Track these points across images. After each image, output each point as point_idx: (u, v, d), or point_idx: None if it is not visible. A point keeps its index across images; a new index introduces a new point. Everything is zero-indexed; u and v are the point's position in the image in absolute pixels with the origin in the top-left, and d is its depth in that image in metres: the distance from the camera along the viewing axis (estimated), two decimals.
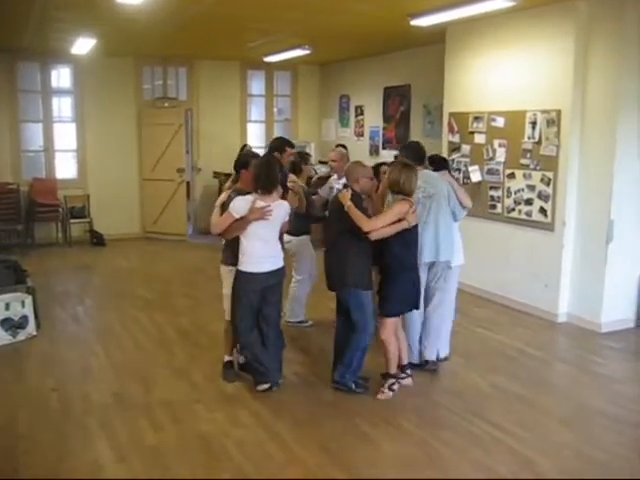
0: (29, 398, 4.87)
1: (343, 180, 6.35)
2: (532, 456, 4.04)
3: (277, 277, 4.87)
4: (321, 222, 6.41)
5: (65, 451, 4.07)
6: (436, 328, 5.39)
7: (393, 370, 4.90)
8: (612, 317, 6.51)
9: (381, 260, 4.76)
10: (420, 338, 5.38)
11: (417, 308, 5.01)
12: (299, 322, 6.56)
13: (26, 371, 5.43)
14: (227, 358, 5.26)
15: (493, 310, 7.21)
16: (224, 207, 4.84)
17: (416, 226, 4.73)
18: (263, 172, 4.73)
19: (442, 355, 5.53)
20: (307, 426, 4.44)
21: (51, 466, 3.90)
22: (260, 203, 4.67)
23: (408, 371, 5.07)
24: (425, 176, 5.19)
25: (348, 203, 4.59)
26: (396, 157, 6.59)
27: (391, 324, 4.80)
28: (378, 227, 4.55)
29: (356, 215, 4.57)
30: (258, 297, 4.82)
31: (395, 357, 4.89)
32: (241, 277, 4.79)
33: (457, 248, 5.40)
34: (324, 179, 7.10)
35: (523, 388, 5.12)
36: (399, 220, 4.57)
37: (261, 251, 4.76)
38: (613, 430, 4.44)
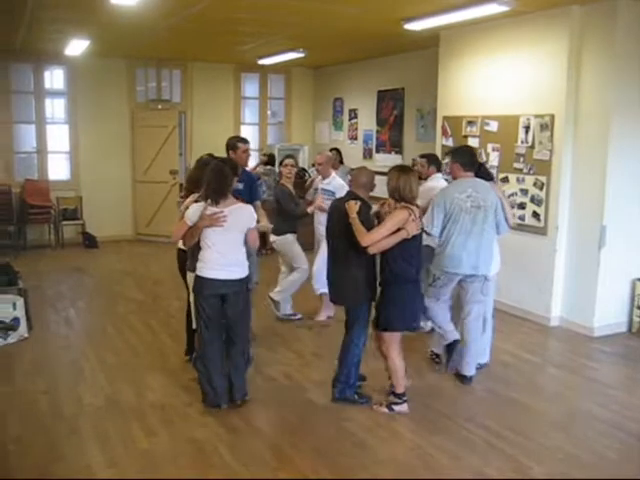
0: (20, 401, 4.84)
1: (327, 181, 6.58)
2: (525, 461, 4.04)
3: (235, 287, 4.58)
4: (301, 219, 6.60)
5: (56, 455, 4.04)
6: (475, 342, 5.22)
7: (400, 389, 4.68)
8: (604, 321, 6.52)
9: (381, 272, 4.57)
10: (457, 348, 5.21)
11: (415, 329, 4.80)
12: (289, 315, 6.79)
13: (17, 374, 5.39)
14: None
15: None
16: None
17: (418, 236, 4.52)
18: (212, 179, 4.51)
19: (482, 361, 5.45)
20: (300, 430, 4.42)
21: (42, 470, 3.86)
22: (211, 209, 4.46)
23: (404, 397, 4.75)
24: (477, 185, 5.05)
25: (353, 215, 4.39)
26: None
27: (394, 339, 4.61)
28: (376, 241, 4.36)
29: (357, 228, 4.37)
30: (217, 306, 4.59)
31: (400, 374, 4.65)
32: (197, 282, 4.60)
33: (495, 257, 5.30)
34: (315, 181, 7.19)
35: (516, 392, 5.12)
36: (399, 230, 4.37)
37: (215, 258, 4.51)
38: (605, 434, 4.45)
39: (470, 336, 5.21)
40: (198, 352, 4.77)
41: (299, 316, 6.85)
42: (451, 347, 5.24)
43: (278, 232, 6.61)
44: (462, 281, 5.15)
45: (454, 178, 5.26)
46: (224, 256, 4.53)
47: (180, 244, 5.05)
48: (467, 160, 5.15)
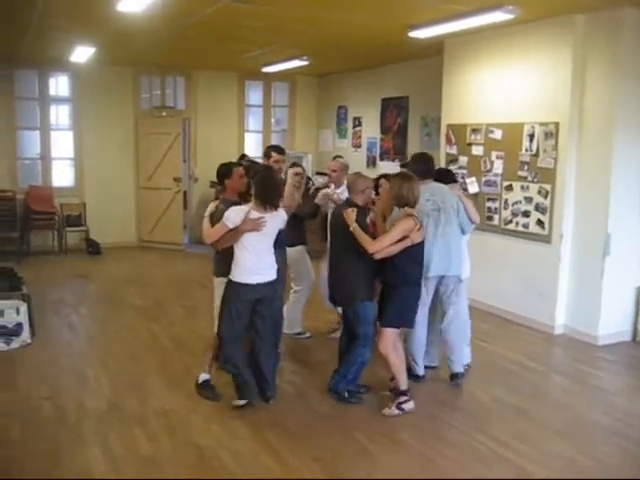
0: (23, 406, 4.82)
1: (340, 190, 6.40)
2: (530, 469, 4.02)
3: (268, 289, 4.75)
4: (313, 218, 6.50)
5: (58, 460, 4.03)
6: (458, 341, 5.33)
7: (404, 386, 4.77)
8: (609, 330, 6.50)
9: (384, 272, 4.70)
10: (426, 352, 5.35)
11: (411, 326, 4.95)
12: (297, 334, 6.51)
13: (20, 379, 5.38)
14: (203, 377, 5.04)
15: (490, 322, 7.18)
16: (213, 217, 4.78)
17: (422, 242, 4.68)
18: (267, 186, 4.66)
19: (465, 362, 5.51)
20: (303, 438, 4.40)
21: (44, 475, 3.85)
22: (254, 214, 4.57)
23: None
24: (434, 189, 5.16)
25: (354, 225, 4.54)
26: (402, 166, 6.59)
27: (389, 336, 4.72)
28: (382, 248, 4.51)
29: (361, 237, 4.53)
30: (247, 309, 4.71)
31: (402, 371, 4.78)
32: (231, 287, 4.68)
33: (465, 260, 5.37)
34: (320, 189, 7.03)
35: (521, 401, 5.10)
36: (403, 237, 4.52)
37: (252, 262, 4.63)
38: (609, 442, 4.44)
39: (451, 337, 5.31)
40: (223, 355, 4.83)
41: (307, 334, 6.62)
42: (412, 377, 5.21)
43: (289, 243, 6.26)
44: (437, 284, 5.24)
45: None
46: (261, 260, 4.68)
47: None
48: (421, 169, 5.25)
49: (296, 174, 6.46)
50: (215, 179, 5.13)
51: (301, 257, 6.40)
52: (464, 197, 5.35)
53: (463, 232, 5.29)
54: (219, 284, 4.90)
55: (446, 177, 5.53)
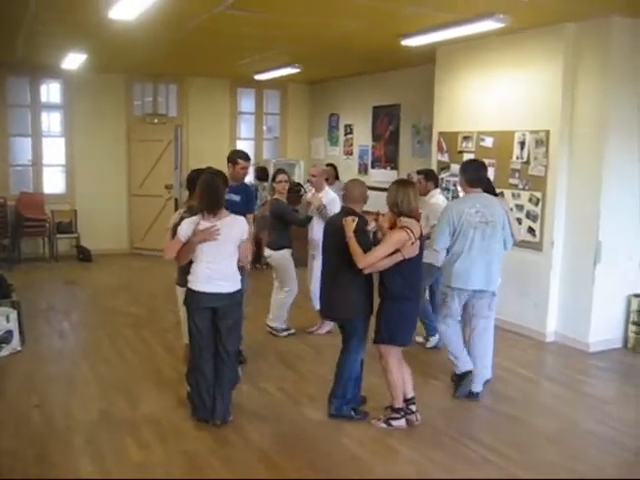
0: (12, 414, 4.79)
1: (321, 194, 6.59)
2: (521, 474, 4.02)
3: (226, 301, 4.52)
4: (303, 226, 6.66)
5: (48, 468, 4.00)
6: (482, 357, 5.20)
7: (398, 404, 4.62)
8: (600, 337, 6.52)
9: (379, 286, 4.53)
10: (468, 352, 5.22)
11: (407, 345, 4.67)
12: (280, 328, 6.72)
13: (9, 387, 5.35)
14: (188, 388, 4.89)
15: None
16: (176, 228, 4.57)
17: (417, 257, 4.45)
18: (206, 192, 4.47)
19: (486, 377, 5.38)
20: (296, 445, 4.40)
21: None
22: (204, 224, 4.41)
23: (413, 407, 4.68)
24: (482, 200, 5.05)
25: (350, 234, 4.35)
26: (419, 173, 6.49)
27: (387, 352, 4.56)
28: (371, 263, 4.34)
29: (353, 249, 4.34)
30: (207, 320, 4.53)
31: (399, 389, 4.60)
32: (187, 295, 4.57)
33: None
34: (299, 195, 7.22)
35: (512, 408, 5.10)
36: (396, 251, 4.32)
37: (206, 271, 4.46)
38: (601, 449, 4.45)
39: (476, 351, 5.19)
40: (189, 366, 4.72)
41: (292, 331, 6.81)
42: (463, 376, 5.19)
43: (274, 247, 6.64)
44: (470, 297, 5.13)
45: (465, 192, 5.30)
46: (215, 270, 4.48)
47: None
48: (472, 176, 5.15)
49: (279, 182, 6.66)
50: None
51: (285, 260, 6.62)
52: (509, 212, 5.24)
53: (505, 247, 5.18)
54: (180, 293, 4.80)
55: (488, 186, 5.38)
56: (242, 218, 4.69)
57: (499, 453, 4.30)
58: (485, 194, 5.16)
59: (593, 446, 4.50)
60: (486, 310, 5.17)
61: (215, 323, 4.57)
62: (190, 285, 4.53)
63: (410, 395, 4.68)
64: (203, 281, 4.48)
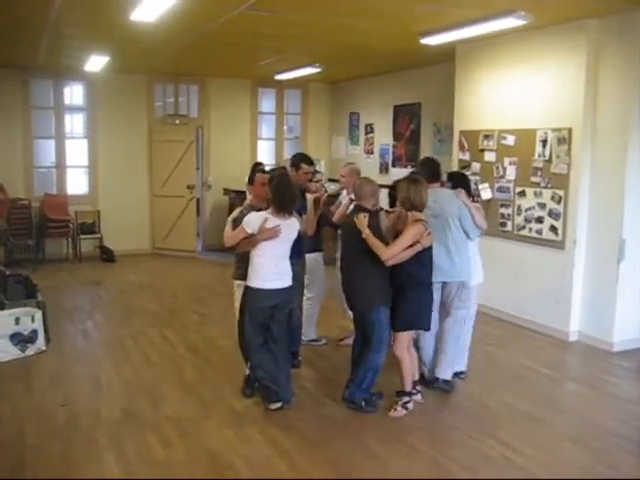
0: (38, 412, 4.85)
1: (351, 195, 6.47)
2: (543, 475, 4.00)
3: (284, 295, 4.82)
4: (335, 227, 6.48)
5: (73, 464, 4.06)
6: (452, 347, 5.32)
7: (408, 387, 4.86)
8: (624, 336, 6.45)
9: (395, 277, 4.72)
10: (434, 355, 5.35)
11: (427, 329, 4.97)
12: (311, 340, 6.49)
13: (35, 386, 5.42)
14: (248, 372, 5.15)
15: (503, 328, 7.16)
16: (235, 222, 4.88)
17: (431, 246, 4.70)
18: (283, 194, 4.73)
19: (457, 369, 5.50)
20: (316, 444, 4.40)
21: (58, 478, 3.90)
22: (271, 223, 4.66)
23: (418, 387, 5.02)
24: (435, 195, 5.15)
25: (367, 231, 4.57)
26: (413, 172, 6.51)
27: (404, 339, 4.80)
28: (395, 254, 4.54)
29: (374, 244, 4.56)
30: (266, 314, 4.78)
31: (410, 374, 4.86)
32: (248, 293, 4.78)
33: (475, 267, 5.36)
34: (334, 196, 7.06)
35: (534, 407, 5.07)
36: (415, 242, 4.56)
37: (267, 268, 4.72)
38: (624, 450, 4.40)
39: (445, 338, 5.30)
40: (252, 362, 4.90)
41: (323, 341, 6.60)
42: (429, 382, 5.32)
43: (308, 250, 6.26)
44: (442, 289, 5.26)
45: None
46: (277, 266, 4.74)
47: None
48: (429, 172, 5.29)
49: (318, 181, 6.54)
50: (228, 186, 5.21)
51: (316, 264, 6.38)
52: (469, 203, 5.32)
53: (469, 238, 5.29)
54: (238, 287, 5.03)
55: (460, 181, 5.53)
56: (295, 220, 4.93)
57: (520, 452, 4.28)
58: (440, 189, 5.31)
59: (615, 446, 4.45)
60: (456, 301, 5.28)
61: (274, 317, 4.81)
62: (252, 283, 4.74)
63: (417, 377, 5.03)
64: (266, 278, 4.73)
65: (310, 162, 6.03)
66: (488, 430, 4.62)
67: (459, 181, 5.54)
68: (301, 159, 6.00)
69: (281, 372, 4.88)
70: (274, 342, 4.87)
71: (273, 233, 4.64)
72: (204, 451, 4.25)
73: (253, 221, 4.69)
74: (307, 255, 6.24)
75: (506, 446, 4.36)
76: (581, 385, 5.68)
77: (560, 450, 4.35)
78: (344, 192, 6.59)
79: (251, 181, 5.06)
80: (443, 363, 5.31)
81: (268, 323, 4.82)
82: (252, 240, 4.70)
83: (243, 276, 4.85)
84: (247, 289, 4.78)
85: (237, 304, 5.02)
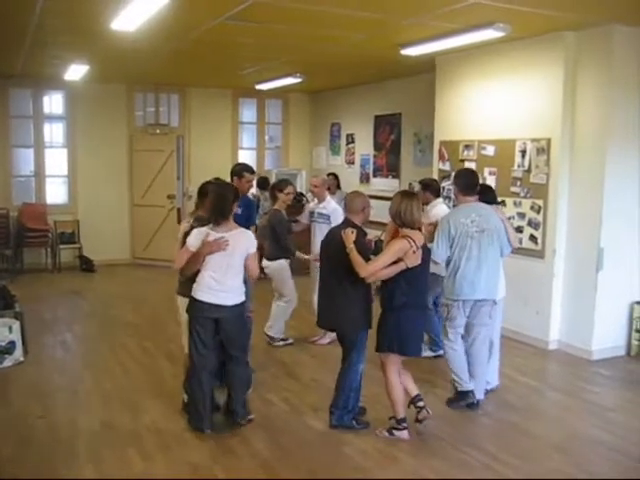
0: (15, 424, 4.79)
1: (322, 205, 6.63)
2: None
3: (227, 313, 4.54)
4: (287, 250, 6.65)
5: (50, 476, 3.99)
6: (482, 365, 5.19)
7: (399, 414, 4.58)
8: (603, 345, 6.50)
9: (381, 297, 4.53)
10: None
11: (412, 354, 4.63)
12: (277, 338, 6.76)
13: (13, 397, 5.35)
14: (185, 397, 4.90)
15: None
16: (185, 238, 4.65)
17: (421, 265, 4.42)
18: (214, 203, 4.53)
19: (489, 387, 5.40)
20: (298, 455, 4.38)
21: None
22: (213, 236, 4.46)
23: (421, 403, 4.65)
24: (477, 209, 5.07)
25: (351, 246, 4.33)
26: (421, 183, 6.45)
27: (392, 361, 4.55)
28: (373, 272, 4.34)
29: (355, 260, 4.31)
30: (210, 330, 4.56)
31: (397, 402, 4.57)
32: (190, 304, 4.59)
33: (501, 281, 5.29)
34: (301, 205, 7.26)
35: (515, 416, 5.09)
36: (398, 260, 4.32)
37: (210, 281, 4.49)
38: (605, 457, 4.44)
39: (477, 360, 5.18)
40: (187, 374, 4.74)
41: (290, 341, 6.83)
42: (464, 394, 5.14)
43: (271, 257, 6.67)
44: (473, 306, 5.12)
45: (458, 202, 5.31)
46: (219, 282, 4.50)
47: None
48: (466, 185, 5.18)
49: (288, 193, 6.70)
50: None
51: (283, 271, 6.68)
52: (506, 220, 5.26)
53: (501, 254, 5.19)
54: (182, 303, 4.82)
55: (489, 195, 5.40)
56: (249, 231, 4.75)
57: (502, 461, 4.29)
58: (479, 203, 5.16)
59: (597, 454, 4.49)
60: (486, 318, 5.16)
61: (218, 333, 4.59)
62: (194, 294, 4.55)
63: (414, 393, 4.69)
64: (205, 291, 4.51)
65: (252, 171, 6.25)
66: (470, 440, 4.63)
67: (488, 194, 5.40)
68: (244, 168, 6.21)
69: (231, 388, 4.72)
70: (230, 362, 4.68)
71: (217, 245, 4.42)
72: (184, 463, 4.21)
73: (194, 238, 4.51)
74: (270, 262, 6.52)
75: (488, 455, 4.37)
76: (562, 394, 5.71)
77: (542, 459, 4.37)
78: (314, 201, 6.96)
79: (205, 193, 4.89)
80: (478, 383, 5.16)
81: (216, 336, 4.60)
82: (197, 257, 4.48)
83: (186, 292, 4.64)
84: (190, 300, 4.58)
85: (182, 320, 4.87)
